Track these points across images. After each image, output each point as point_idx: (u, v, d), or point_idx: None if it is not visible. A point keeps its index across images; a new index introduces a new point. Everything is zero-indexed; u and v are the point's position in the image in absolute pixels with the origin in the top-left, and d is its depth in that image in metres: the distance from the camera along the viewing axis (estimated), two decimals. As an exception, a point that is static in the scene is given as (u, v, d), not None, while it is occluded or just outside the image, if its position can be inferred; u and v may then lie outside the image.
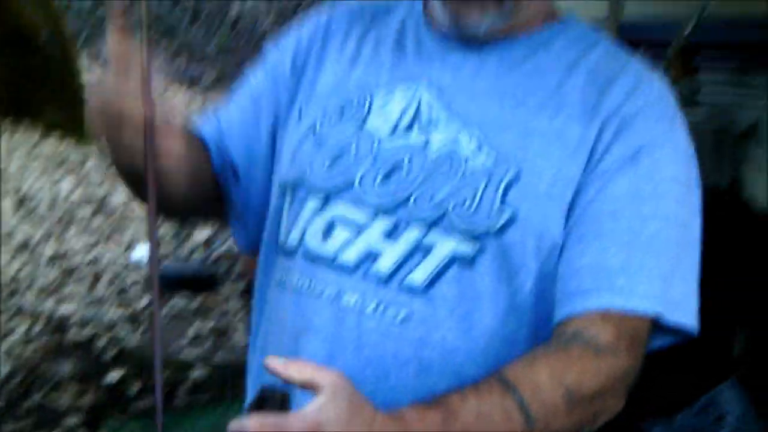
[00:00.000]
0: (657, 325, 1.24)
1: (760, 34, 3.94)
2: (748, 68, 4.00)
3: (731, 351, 4.00)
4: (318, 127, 1.33)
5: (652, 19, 4.40)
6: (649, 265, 1.21)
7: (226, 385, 4.22)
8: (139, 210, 6.80)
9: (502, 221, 1.21)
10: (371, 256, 1.24)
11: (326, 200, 1.28)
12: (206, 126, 1.43)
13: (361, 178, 1.27)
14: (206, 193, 1.40)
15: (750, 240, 3.84)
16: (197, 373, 4.40)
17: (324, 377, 1.00)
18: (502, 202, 1.21)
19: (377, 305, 1.22)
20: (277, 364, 1.00)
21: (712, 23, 3.89)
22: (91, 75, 1.42)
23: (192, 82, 11.82)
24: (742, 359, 4.12)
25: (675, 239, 1.25)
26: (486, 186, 1.22)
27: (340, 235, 1.26)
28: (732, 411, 3.66)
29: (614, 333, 1.18)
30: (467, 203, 1.22)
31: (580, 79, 1.28)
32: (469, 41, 1.31)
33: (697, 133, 3.90)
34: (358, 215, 1.25)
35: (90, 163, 7.78)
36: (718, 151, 3.88)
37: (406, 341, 1.21)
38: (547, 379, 1.13)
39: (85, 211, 6.69)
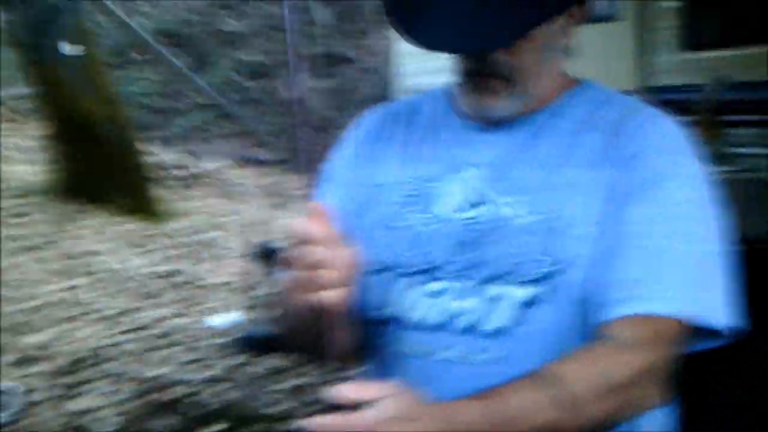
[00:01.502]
0: (699, 332, 1.40)
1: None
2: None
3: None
4: (387, 217, 1.57)
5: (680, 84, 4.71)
6: (667, 275, 1.38)
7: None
8: (208, 281, 7.12)
9: (550, 266, 1.44)
10: (454, 317, 1.46)
11: (414, 280, 1.50)
12: None
13: (439, 258, 1.49)
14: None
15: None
16: (292, 426, 4.58)
17: (381, 387, 1.20)
18: (546, 250, 1.45)
19: (464, 355, 1.46)
20: (345, 393, 1.18)
21: (736, 85, 4.19)
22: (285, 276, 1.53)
23: (249, 164, 12.17)
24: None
25: (692, 252, 1.40)
26: (530, 240, 1.46)
27: (426, 304, 1.48)
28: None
29: (638, 332, 1.35)
30: (518, 257, 1.46)
31: (596, 133, 1.51)
32: (498, 122, 1.55)
33: (733, 185, 4.22)
34: (439, 286, 1.48)
35: (159, 241, 8.16)
36: (757, 201, 4.13)
37: (493, 379, 1.35)
38: (577, 374, 1.30)
39: (159, 284, 7.03)
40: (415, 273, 1.51)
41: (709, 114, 4.20)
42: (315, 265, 1.26)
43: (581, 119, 1.53)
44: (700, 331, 1.42)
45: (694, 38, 4.76)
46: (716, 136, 4.22)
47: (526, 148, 1.52)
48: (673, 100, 4.75)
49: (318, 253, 1.26)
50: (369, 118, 1.68)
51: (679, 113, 4.70)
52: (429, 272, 1.50)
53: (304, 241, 1.27)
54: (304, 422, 1.18)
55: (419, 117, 1.64)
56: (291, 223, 1.27)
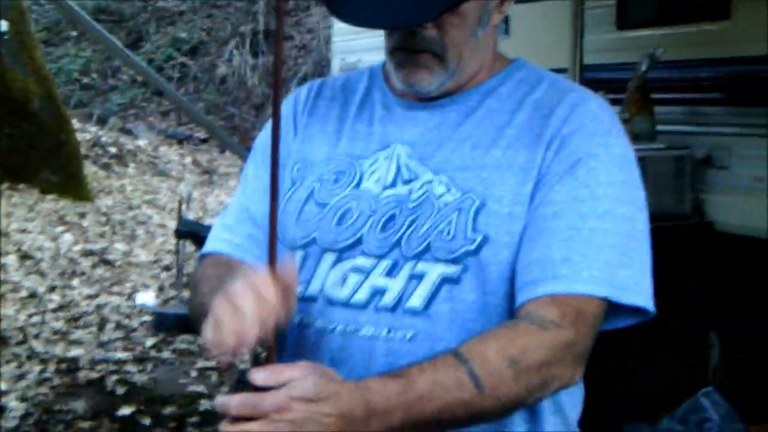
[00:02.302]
0: (615, 309, 1.41)
1: (710, 72, 4.28)
2: (701, 102, 4.31)
3: (708, 361, 4.29)
4: (316, 192, 1.55)
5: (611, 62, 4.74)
6: (591, 255, 1.38)
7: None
8: (138, 259, 7.07)
9: (476, 243, 1.43)
10: (378, 293, 1.46)
11: (340, 255, 1.48)
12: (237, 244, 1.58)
13: (366, 233, 1.49)
14: None
15: (716, 259, 4.14)
16: (204, 406, 4.63)
17: (294, 369, 1.20)
18: (474, 227, 1.44)
19: (388, 330, 1.44)
20: (259, 378, 1.19)
21: (666, 63, 4.22)
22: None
23: (182, 141, 12.11)
24: (718, 368, 4.40)
25: (616, 232, 1.41)
26: (458, 217, 1.45)
27: (352, 280, 1.47)
28: (714, 415, 3.94)
29: (559, 312, 1.36)
30: (445, 234, 1.45)
31: (526, 113, 1.50)
32: (429, 100, 1.54)
33: (657, 162, 4.24)
34: (365, 262, 1.46)
35: (88, 218, 8.06)
36: (679, 178, 4.18)
37: (417, 355, 1.37)
38: (494, 351, 1.30)
39: (87, 263, 6.95)
40: (341, 249, 1.49)
41: (638, 92, 4.20)
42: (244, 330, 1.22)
43: (513, 99, 1.52)
44: (619, 309, 1.42)
45: (627, 17, 4.77)
46: (646, 114, 4.23)
47: (457, 127, 1.51)
48: (606, 79, 4.79)
49: (251, 319, 1.22)
50: (304, 94, 1.66)
51: (611, 91, 4.71)
52: (355, 248, 1.48)
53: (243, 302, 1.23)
54: (216, 401, 1.19)
55: (353, 94, 1.62)
56: (234, 287, 1.25)
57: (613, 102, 4.41)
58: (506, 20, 5.95)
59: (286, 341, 1.53)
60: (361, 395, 1.22)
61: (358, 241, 1.48)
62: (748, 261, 4.14)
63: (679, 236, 4.22)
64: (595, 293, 1.38)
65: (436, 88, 1.51)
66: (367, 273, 1.46)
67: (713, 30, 4.24)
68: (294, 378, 1.19)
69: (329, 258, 1.50)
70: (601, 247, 1.39)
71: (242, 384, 1.19)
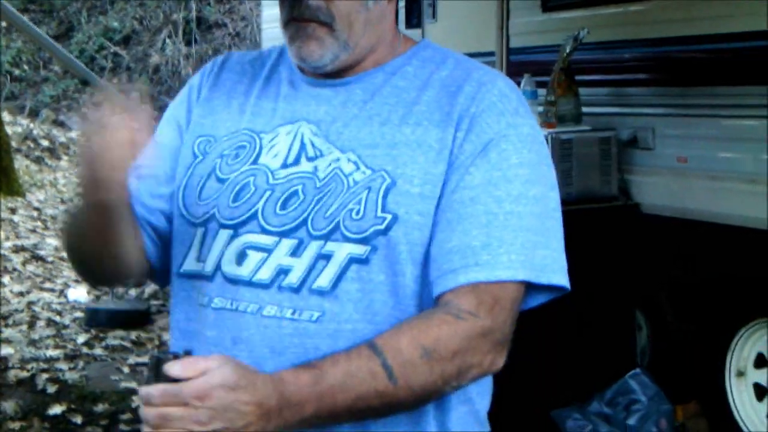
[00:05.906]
0: (532, 288, 1.42)
1: (632, 53, 4.31)
2: (625, 84, 4.34)
3: (634, 343, 4.33)
4: (218, 169, 1.52)
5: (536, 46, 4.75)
6: (508, 239, 1.39)
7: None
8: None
9: (386, 223, 1.42)
10: (282, 272, 1.43)
11: (235, 231, 1.45)
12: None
13: (263, 209, 1.47)
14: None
15: (642, 241, 4.18)
16: (136, 402, 4.58)
17: (210, 361, 1.21)
18: (383, 206, 1.42)
19: (294, 311, 1.42)
20: (176, 370, 1.19)
21: (590, 45, 4.24)
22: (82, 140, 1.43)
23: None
24: (646, 351, 4.45)
25: (530, 213, 1.42)
26: (367, 196, 1.43)
27: (252, 258, 1.43)
28: (642, 397, 3.99)
29: (476, 300, 1.37)
30: (354, 212, 1.43)
31: (433, 91, 1.49)
32: (333, 78, 1.52)
33: (583, 144, 4.25)
34: (266, 240, 1.43)
35: (19, 213, 7.94)
36: (605, 160, 4.21)
37: (323, 336, 1.38)
38: (407, 342, 1.32)
39: (18, 259, 6.84)
40: (236, 224, 1.47)
41: (563, 74, 4.22)
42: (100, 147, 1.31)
43: (419, 78, 1.51)
44: (536, 288, 1.44)
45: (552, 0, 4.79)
46: (571, 96, 4.25)
47: (364, 104, 1.50)
48: (531, 61, 4.80)
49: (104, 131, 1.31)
50: (209, 66, 1.64)
51: (537, 73, 4.70)
52: (249, 223, 1.47)
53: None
54: (140, 392, 1.21)
55: (262, 70, 1.60)
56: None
57: (539, 84, 4.44)
58: (433, 5, 5.97)
59: (186, 325, 1.51)
60: (274, 386, 1.24)
61: (253, 217, 1.46)
62: (673, 242, 4.19)
63: (606, 218, 4.26)
64: (515, 278, 1.39)
65: (330, 61, 1.49)
66: (269, 251, 1.44)
67: (635, 11, 4.27)
68: (211, 367, 1.20)
69: (225, 234, 1.47)
70: (517, 231, 1.40)
71: (161, 374, 1.20)
